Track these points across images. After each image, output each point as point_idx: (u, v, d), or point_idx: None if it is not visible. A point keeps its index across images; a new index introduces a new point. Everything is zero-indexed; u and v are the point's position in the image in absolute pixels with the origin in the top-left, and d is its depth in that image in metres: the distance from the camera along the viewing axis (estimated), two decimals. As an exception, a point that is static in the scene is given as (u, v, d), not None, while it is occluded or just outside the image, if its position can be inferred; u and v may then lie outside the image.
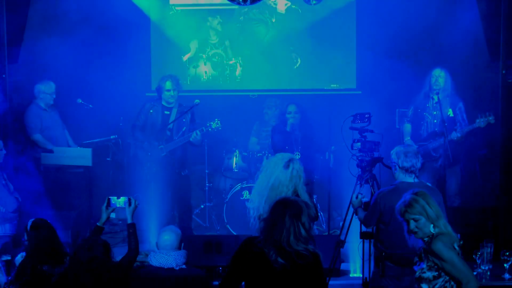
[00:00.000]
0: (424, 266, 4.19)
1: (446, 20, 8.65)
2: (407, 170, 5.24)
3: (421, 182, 5.37)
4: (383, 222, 5.24)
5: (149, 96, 9.28)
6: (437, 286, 4.15)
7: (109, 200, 5.28)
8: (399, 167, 5.26)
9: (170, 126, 7.87)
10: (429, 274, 4.17)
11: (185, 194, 8.17)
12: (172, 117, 7.92)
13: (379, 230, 5.33)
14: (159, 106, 7.91)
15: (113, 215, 5.39)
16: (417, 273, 4.21)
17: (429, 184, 5.61)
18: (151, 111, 7.90)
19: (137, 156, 8.23)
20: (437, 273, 4.15)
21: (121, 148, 8.93)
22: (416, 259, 4.28)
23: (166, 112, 7.90)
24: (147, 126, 7.89)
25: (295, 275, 3.89)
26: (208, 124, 7.89)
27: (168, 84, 7.85)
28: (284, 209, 3.92)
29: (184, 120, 7.94)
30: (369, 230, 5.82)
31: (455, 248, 4.14)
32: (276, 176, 4.97)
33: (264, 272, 3.91)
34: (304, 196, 5.00)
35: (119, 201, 5.26)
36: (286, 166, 5.00)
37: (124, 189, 8.23)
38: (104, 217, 5.27)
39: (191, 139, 7.81)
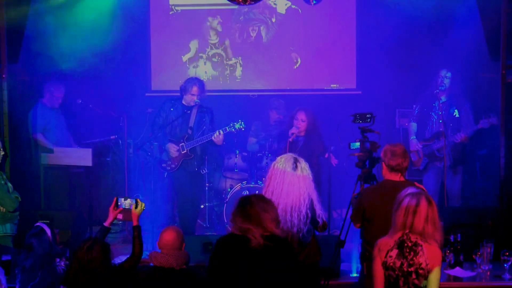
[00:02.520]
0: None
1: (446, 20, 8.65)
2: (392, 169, 5.21)
3: (406, 181, 5.32)
4: (367, 220, 5.22)
5: (148, 95, 9.30)
6: None
7: (116, 200, 5.27)
8: (385, 165, 5.25)
9: (192, 125, 7.86)
10: None
11: (198, 193, 8.16)
12: (193, 117, 7.91)
13: (364, 228, 5.32)
14: (179, 105, 7.89)
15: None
16: None
17: (416, 183, 5.56)
18: (171, 109, 7.88)
19: (138, 156, 8.21)
20: None
21: (121, 148, 8.92)
22: None
23: (187, 112, 7.87)
24: (167, 124, 7.86)
25: None
26: (231, 124, 7.85)
27: (194, 90, 7.82)
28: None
29: (204, 120, 7.93)
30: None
31: None
32: (290, 180, 4.88)
33: None
34: (319, 207, 5.01)
35: (126, 203, 5.25)
36: (294, 167, 4.93)
37: (124, 189, 8.23)
38: (111, 217, 5.27)
39: (213, 138, 7.80)
